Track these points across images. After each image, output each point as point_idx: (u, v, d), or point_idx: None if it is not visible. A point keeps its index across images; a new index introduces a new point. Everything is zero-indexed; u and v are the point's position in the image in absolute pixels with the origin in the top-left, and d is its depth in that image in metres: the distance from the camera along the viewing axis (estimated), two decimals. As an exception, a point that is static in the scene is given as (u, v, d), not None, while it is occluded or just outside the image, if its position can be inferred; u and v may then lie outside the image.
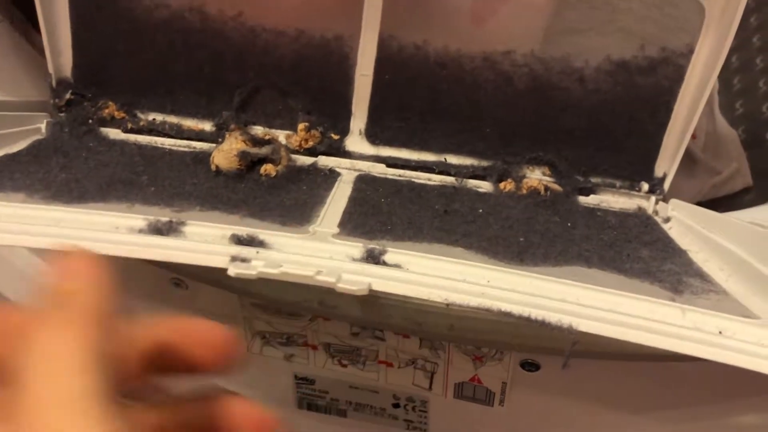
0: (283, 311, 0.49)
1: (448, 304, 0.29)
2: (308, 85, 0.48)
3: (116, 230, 0.33)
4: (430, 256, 0.33)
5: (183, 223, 0.34)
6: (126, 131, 0.51)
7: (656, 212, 0.46)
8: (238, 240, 0.33)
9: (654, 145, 0.45)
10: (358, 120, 0.48)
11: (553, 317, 0.28)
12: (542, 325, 0.28)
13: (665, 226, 0.44)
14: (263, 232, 0.33)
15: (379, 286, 0.30)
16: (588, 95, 0.44)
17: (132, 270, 0.52)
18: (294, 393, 0.54)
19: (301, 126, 0.49)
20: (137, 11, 0.48)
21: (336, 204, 0.41)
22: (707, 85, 0.42)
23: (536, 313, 0.29)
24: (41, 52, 0.51)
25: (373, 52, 0.46)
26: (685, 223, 0.43)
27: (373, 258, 0.32)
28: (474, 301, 0.29)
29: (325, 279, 0.30)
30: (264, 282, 0.44)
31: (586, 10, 0.43)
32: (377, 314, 0.43)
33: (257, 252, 0.32)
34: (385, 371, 0.50)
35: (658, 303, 0.31)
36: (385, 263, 0.32)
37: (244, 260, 0.31)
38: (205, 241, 0.33)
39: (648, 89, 0.44)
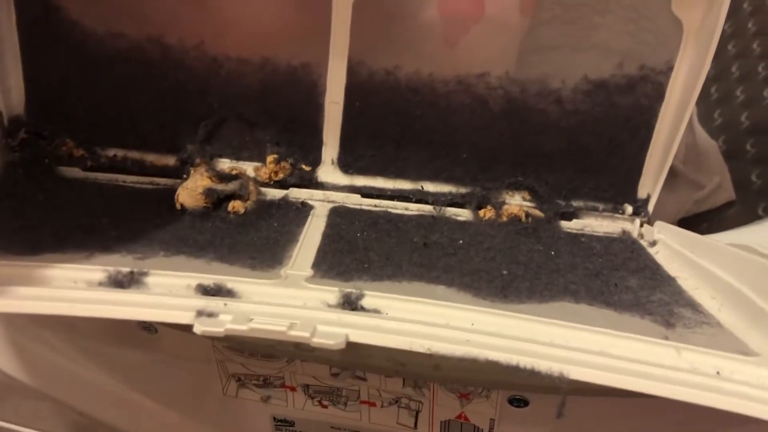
0: (258, 353, 0.47)
1: (431, 354, 0.28)
2: (276, 114, 0.46)
3: (74, 285, 0.31)
4: (410, 299, 0.31)
5: (145, 274, 0.32)
6: (85, 169, 0.48)
7: (641, 235, 0.44)
8: (205, 290, 0.31)
9: (636, 165, 0.44)
10: (330, 149, 0.47)
11: (542, 365, 0.27)
12: (532, 374, 0.27)
13: (652, 251, 0.42)
14: (231, 280, 0.31)
15: (357, 337, 0.28)
16: (566, 116, 0.43)
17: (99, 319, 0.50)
18: (273, 436, 0.52)
19: (270, 158, 0.47)
20: (91, 42, 0.45)
21: (309, 241, 0.39)
22: (689, 103, 0.41)
23: (525, 362, 0.27)
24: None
25: (343, 78, 0.44)
26: (672, 247, 0.42)
27: (349, 304, 0.30)
28: (459, 351, 0.27)
29: (299, 334, 0.28)
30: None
31: (560, 25, 0.42)
32: (358, 356, 0.41)
33: (225, 304, 0.29)
34: (367, 411, 0.48)
35: (651, 342, 0.29)
36: (362, 308, 0.30)
37: (210, 315, 0.29)
38: (169, 293, 0.31)
39: (627, 109, 0.42)
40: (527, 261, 0.38)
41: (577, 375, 0.27)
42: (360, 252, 0.38)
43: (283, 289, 0.32)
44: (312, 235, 0.40)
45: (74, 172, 0.48)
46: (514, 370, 0.27)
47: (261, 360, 0.47)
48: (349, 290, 0.31)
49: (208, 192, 0.42)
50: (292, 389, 0.48)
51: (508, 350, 0.28)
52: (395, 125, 0.45)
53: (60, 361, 0.53)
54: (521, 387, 0.42)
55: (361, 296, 0.31)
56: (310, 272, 0.35)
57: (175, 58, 0.45)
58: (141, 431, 0.54)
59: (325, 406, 0.48)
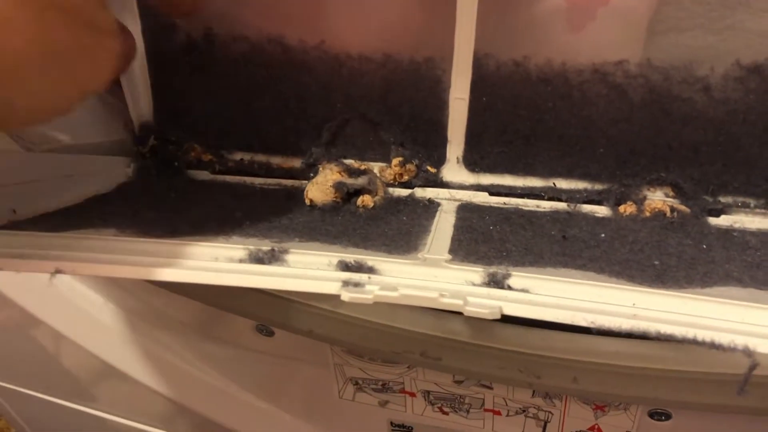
0: (379, 359, 0.45)
1: (595, 329, 0.26)
2: (399, 113, 0.45)
3: (216, 260, 0.31)
4: (560, 279, 0.29)
5: (285, 251, 0.31)
6: (214, 173, 0.49)
7: (799, 234, 0.40)
8: (346, 266, 0.30)
9: None
10: (455, 147, 0.45)
11: (723, 338, 0.25)
12: (711, 347, 0.25)
13: None
14: (371, 258, 0.30)
15: (512, 309, 0.26)
16: (715, 106, 0.39)
17: (214, 317, 0.50)
18: (390, 440, 0.50)
19: (395, 161, 0.46)
20: (215, 47, 0.46)
21: (441, 232, 0.38)
22: None
23: (702, 335, 0.25)
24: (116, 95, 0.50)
25: (468, 72, 0.42)
26: None
27: (496, 283, 0.29)
28: (626, 324, 0.25)
29: (451, 302, 0.27)
30: (362, 331, 0.41)
31: (689, 5, 0.38)
32: (489, 366, 0.39)
33: (369, 278, 0.29)
34: (491, 419, 0.46)
35: None
36: (510, 288, 0.28)
37: (357, 285, 0.28)
38: (310, 268, 0.30)
39: (785, 94, 0.38)
40: (678, 253, 0.35)
41: (766, 348, 0.24)
42: (496, 242, 0.36)
43: (423, 268, 0.31)
44: (443, 227, 0.39)
45: (203, 174, 0.49)
46: (692, 344, 0.25)
47: (381, 365, 0.46)
48: (494, 270, 0.29)
49: (338, 185, 0.41)
50: (412, 395, 0.47)
51: (679, 324, 0.25)
52: (525, 119, 0.43)
53: (176, 362, 0.53)
54: (668, 403, 0.39)
55: (507, 276, 0.29)
56: (448, 257, 0.33)
57: (297, 59, 0.45)
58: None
59: (446, 413, 0.46)
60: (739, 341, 0.24)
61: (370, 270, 0.30)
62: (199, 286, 0.38)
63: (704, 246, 0.37)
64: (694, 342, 0.25)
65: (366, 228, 0.38)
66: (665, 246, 0.36)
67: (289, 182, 0.48)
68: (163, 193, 0.45)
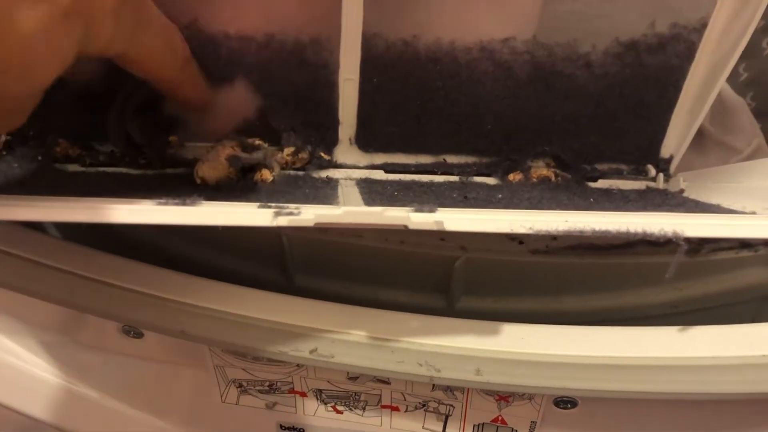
0: (264, 358, 0.41)
1: (533, 233, 0.28)
2: (285, 97, 0.43)
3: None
4: (489, 210, 0.30)
5: (198, 203, 0.29)
6: (85, 166, 0.45)
7: (666, 189, 0.44)
8: (268, 207, 0.29)
9: (660, 126, 0.43)
10: (347, 128, 0.44)
11: (653, 227, 0.28)
12: (644, 236, 0.28)
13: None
14: (292, 206, 0.29)
15: (453, 224, 0.28)
16: (594, 80, 0.42)
17: (73, 319, 0.45)
18: (279, 444, 0.46)
19: (287, 151, 0.44)
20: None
21: (350, 196, 0.37)
22: (725, 62, 0.40)
23: (635, 226, 0.28)
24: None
25: (358, 53, 0.41)
26: (703, 188, 0.42)
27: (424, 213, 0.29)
28: (562, 226, 0.28)
29: (395, 215, 0.28)
30: (242, 329, 0.38)
31: None
32: (386, 361, 0.37)
33: (297, 209, 0.28)
34: (389, 416, 0.44)
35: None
36: None
37: (290, 213, 0.27)
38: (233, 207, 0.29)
39: (656, 69, 0.41)
40: (573, 204, 0.37)
41: (692, 231, 0.28)
42: (407, 201, 0.35)
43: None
44: (349, 194, 0.38)
45: (74, 167, 0.45)
46: (625, 236, 0.28)
47: (266, 364, 0.42)
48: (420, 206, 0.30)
49: (233, 159, 0.38)
50: (303, 395, 0.44)
51: (610, 224, 0.28)
52: (415, 99, 0.43)
53: (32, 372, 0.47)
54: (574, 392, 0.38)
55: (433, 210, 0.29)
56: (364, 209, 0.32)
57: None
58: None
59: (340, 412, 0.44)
60: (668, 228, 0.27)
61: (296, 210, 0.29)
62: (54, 284, 0.34)
63: (591, 200, 0.39)
64: (627, 234, 0.27)
65: (270, 198, 0.36)
66: (559, 199, 0.38)
67: (172, 171, 0.44)
68: (31, 179, 0.40)
